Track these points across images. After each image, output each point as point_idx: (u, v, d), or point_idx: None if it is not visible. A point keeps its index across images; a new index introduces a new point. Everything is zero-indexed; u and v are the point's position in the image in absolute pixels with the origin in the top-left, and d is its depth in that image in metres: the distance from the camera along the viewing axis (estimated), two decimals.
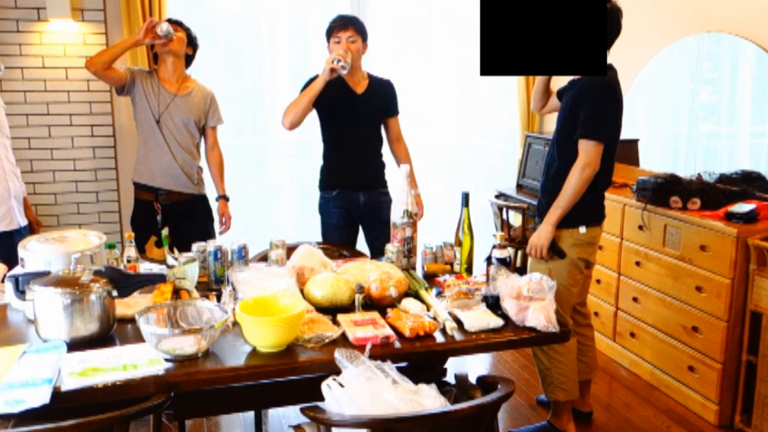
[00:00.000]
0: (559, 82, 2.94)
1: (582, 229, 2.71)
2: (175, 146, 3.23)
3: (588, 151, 2.59)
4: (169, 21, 3.22)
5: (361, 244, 3.41)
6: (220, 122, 3.42)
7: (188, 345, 1.76)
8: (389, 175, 3.35)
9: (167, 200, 3.26)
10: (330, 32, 3.12)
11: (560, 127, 2.75)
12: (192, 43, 3.29)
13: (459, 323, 2.01)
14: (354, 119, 3.17)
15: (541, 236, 2.70)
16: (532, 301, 2.04)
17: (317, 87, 3.03)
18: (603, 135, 2.60)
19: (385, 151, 3.35)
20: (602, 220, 2.81)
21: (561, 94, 2.86)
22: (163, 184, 3.25)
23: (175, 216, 3.25)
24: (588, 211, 2.71)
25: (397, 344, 1.89)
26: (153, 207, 3.25)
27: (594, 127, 2.59)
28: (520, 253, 4.18)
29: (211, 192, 3.47)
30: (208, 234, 3.34)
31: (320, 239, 3.32)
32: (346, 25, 3.08)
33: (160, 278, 2.03)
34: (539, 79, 3.01)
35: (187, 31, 3.26)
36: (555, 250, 2.72)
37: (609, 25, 2.52)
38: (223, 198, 3.45)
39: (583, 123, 2.60)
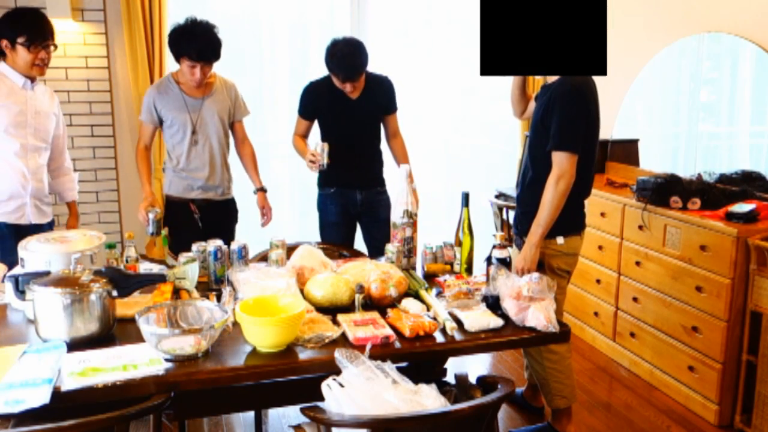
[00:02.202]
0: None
1: (560, 240, 2.61)
2: (211, 153, 3.11)
3: (561, 163, 2.47)
4: (203, 58, 2.92)
5: (360, 243, 3.41)
6: (247, 113, 3.26)
7: (188, 345, 1.76)
8: (387, 173, 3.36)
9: (203, 203, 3.17)
10: (331, 74, 3.07)
11: (532, 136, 2.65)
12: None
13: (459, 323, 2.01)
14: (351, 121, 3.17)
15: (526, 259, 2.54)
16: (532, 301, 2.04)
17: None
18: (576, 145, 2.47)
19: (384, 150, 3.36)
20: (581, 229, 2.69)
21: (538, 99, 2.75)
22: (199, 195, 3.15)
23: (208, 216, 3.18)
24: (565, 220, 2.55)
25: (397, 344, 1.89)
26: (189, 207, 3.15)
27: (565, 138, 2.47)
28: None
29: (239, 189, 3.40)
30: (230, 235, 3.25)
31: (319, 238, 3.32)
32: (350, 79, 3.03)
33: (160, 278, 2.04)
34: (513, 84, 2.88)
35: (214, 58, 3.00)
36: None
37: None
38: (261, 190, 3.29)
39: (554, 135, 2.48)
